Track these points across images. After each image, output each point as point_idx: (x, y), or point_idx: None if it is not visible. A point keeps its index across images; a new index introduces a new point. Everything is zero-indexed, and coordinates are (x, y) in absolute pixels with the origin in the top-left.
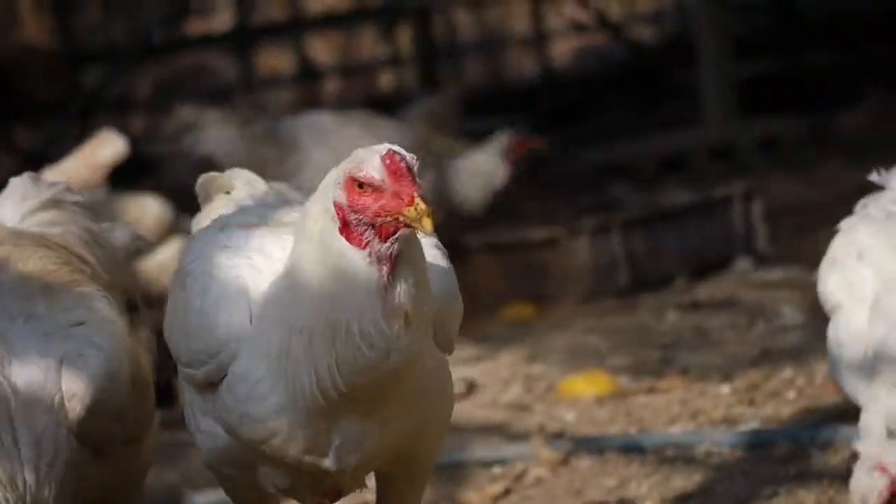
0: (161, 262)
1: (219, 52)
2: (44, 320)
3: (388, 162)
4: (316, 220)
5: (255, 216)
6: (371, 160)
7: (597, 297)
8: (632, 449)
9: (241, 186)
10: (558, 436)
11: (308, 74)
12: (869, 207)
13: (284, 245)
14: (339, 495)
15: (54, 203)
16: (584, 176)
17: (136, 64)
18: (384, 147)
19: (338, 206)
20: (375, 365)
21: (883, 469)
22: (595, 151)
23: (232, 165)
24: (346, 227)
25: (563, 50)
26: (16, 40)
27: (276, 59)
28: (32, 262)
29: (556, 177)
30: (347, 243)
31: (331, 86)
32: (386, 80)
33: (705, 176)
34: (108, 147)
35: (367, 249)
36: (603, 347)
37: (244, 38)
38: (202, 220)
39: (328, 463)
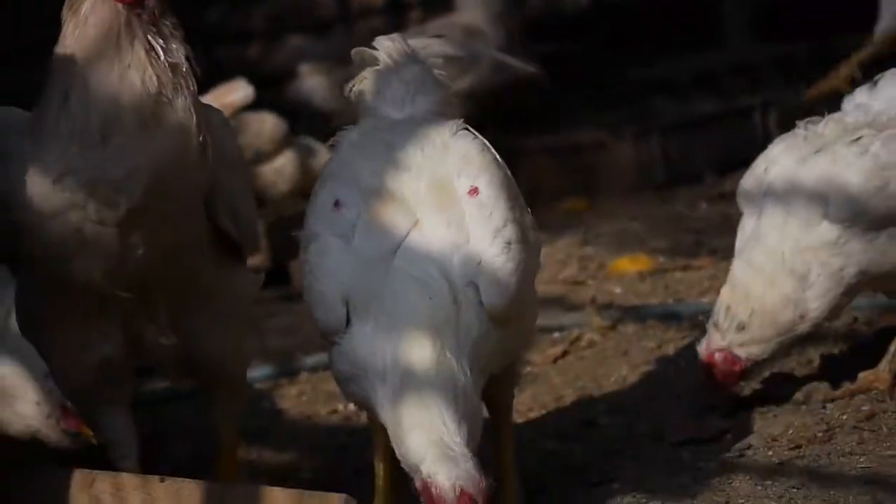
0: (277, 168)
1: None
2: None
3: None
4: None
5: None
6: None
7: (638, 191)
8: (669, 316)
9: (384, 57)
10: (608, 306)
11: (396, 6)
12: (800, 127)
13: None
14: None
15: None
16: (628, 90)
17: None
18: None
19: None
20: None
21: (718, 351)
22: (638, 69)
23: (328, 109)
24: None
25: None
26: None
27: None
28: None
29: (604, 91)
30: None
31: (415, 15)
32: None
33: (730, 90)
34: (238, 92)
35: None
36: (644, 233)
37: None
38: (363, 83)
39: None
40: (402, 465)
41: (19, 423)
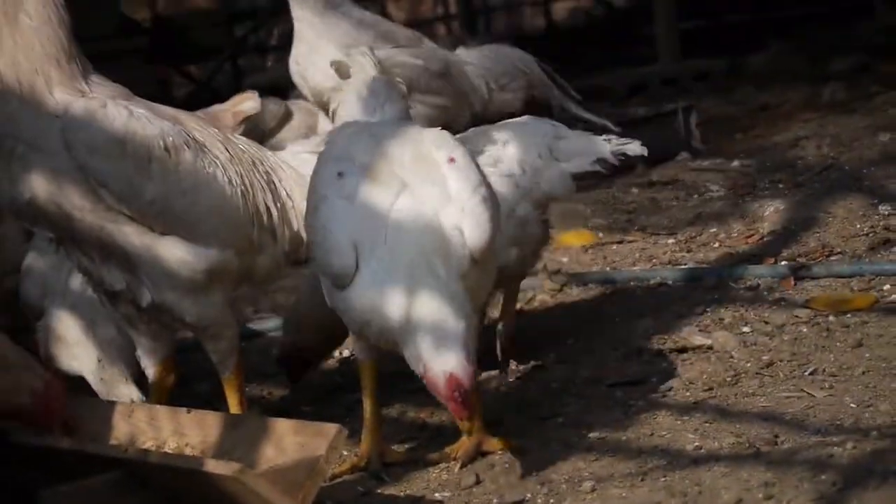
0: (292, 127)
1: None
2: None
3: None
4: None
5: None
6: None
7: (583, 178)
8: (607, 281)
9: (356, 70)
10: (556, 272)
11: None
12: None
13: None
14: None
15: None
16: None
17: (271, 19)
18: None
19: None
20: None
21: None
22: (582, 80)
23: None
24: None
25: (562, 9)
26: (189, 4)
27: None
28: None
29: None
30: None
31: None
32: (440, 31)
33: (658, 97)
34: (248, 103)
35: None
36: (587, 212)
37: None
38: (340, 95)
39: None
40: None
41: (71, 363)
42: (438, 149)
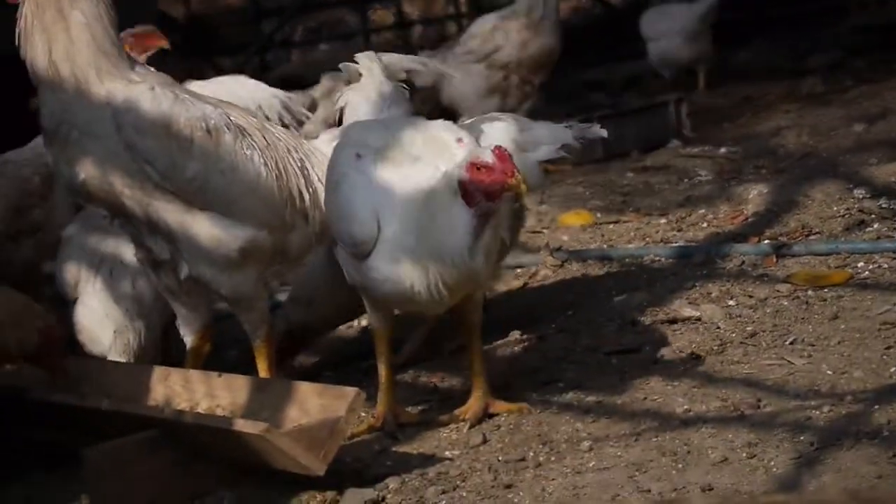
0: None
1: (346, 9)
2: None
3: (496, 151)
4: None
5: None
6: (485, 152)
7: (582, 164)
8: (604, 258)
9: (365, 74)
10: (558, 250)
11: (402, 24)
12: None
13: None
14: None
15: None
16: (575, 88)
17: (295, 16)
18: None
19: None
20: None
21: None
22: (583, 73)
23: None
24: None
25: (564, 8)
26: (221, 3)
27: (383, 14)
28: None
29: (559, 89)
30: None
31: (416, 31)
32: (451, 28)
33: (651, 88)
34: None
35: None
36: (586, 195)
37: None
38: (349, 95)
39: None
40: None
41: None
42: (446, 132)
